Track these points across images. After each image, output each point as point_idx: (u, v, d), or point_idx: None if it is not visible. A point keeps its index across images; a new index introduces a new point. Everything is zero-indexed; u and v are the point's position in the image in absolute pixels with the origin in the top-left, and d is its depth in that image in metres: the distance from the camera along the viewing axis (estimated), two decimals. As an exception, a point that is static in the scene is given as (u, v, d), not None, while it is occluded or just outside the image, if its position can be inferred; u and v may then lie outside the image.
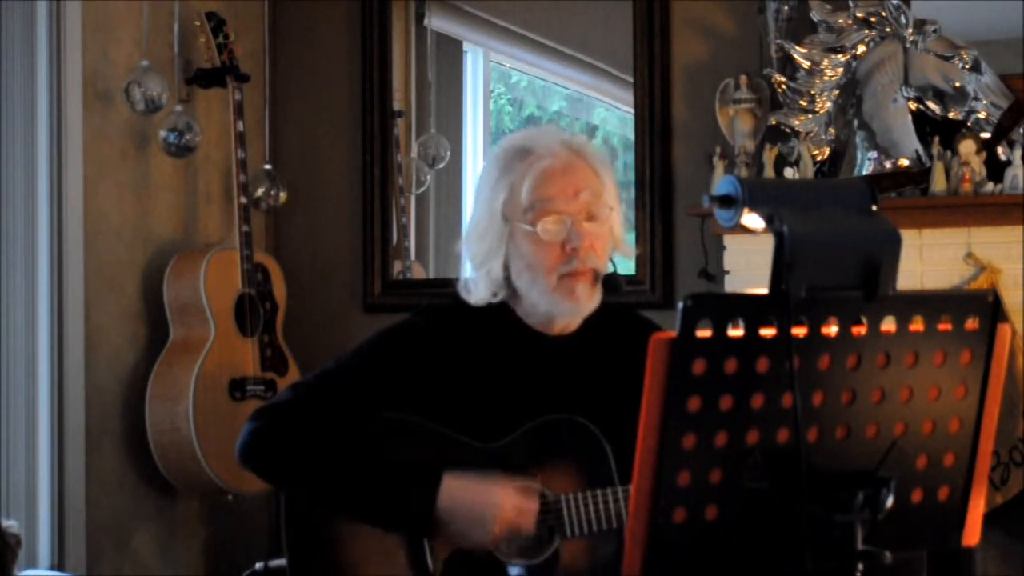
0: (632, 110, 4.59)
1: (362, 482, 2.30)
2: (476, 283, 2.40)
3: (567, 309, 2.35)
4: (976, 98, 4.06)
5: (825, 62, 4.21)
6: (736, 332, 1.43)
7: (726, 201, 1.49)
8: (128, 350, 4.40)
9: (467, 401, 2.35)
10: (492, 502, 2.26)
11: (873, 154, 4.16)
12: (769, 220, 1.46)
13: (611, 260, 2.40)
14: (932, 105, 4.12)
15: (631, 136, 4.60)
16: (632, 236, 4.40)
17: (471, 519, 2.26)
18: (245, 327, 4.38)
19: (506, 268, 2.36)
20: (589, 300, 2.36)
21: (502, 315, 2.41)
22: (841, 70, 4.21)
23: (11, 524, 3.45)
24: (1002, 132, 4.02)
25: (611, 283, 2.36)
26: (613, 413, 2.23)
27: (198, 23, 4.47)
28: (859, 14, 4.18)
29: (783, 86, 4.24)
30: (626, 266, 2.52)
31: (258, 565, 2.63)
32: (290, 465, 2.35)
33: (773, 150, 4.21)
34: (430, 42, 5.01)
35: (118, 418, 4.36)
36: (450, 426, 2.34)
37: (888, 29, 4.16)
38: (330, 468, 2.32)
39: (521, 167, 2.33)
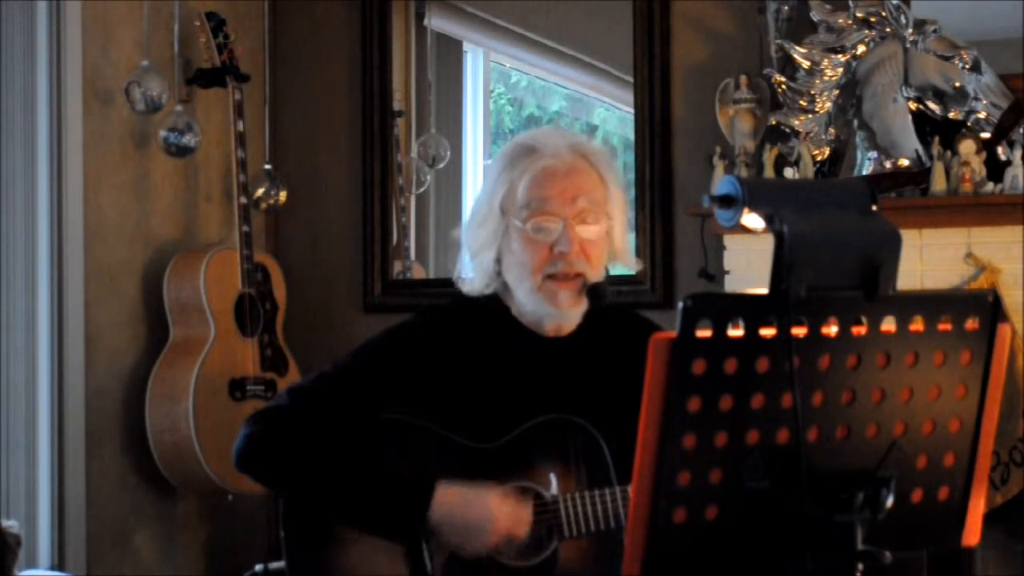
0: (632, 110, 4.59)
1: (356, 491, 2.31)
2: (469, 272, 2.41)
3: (549, 312, 2.35)
4: (976, 98, 4.06)
5: (825, 62, 4.21)
6: (736, 332, 1.43)
7: (726, 201, 1.49)
8: (128, 350, 4.40)
9: (466, 402, 2.35)
10: (485, 514, 2.27)
11: (873, 154, 4.16)
12: (769, 220, 1.46)
13: (607, 269, 2.40)
14: (932, 105, 4.12)
15: (631, 136, 4.60)
16: (632, 236, 4.40)
17: (466, 530, 2.27)
18: (245, 327, 4.38)
19: (498, 262, 2.37)
20: (573, 307, 2.35)
21: (501, 316, 2.41)
22: (841, 70, 4.21)
23: (11, 524, 3.45)
24: (1002, 132, 4.02)
25: (595, 293, 2.35)
26: (612, 413, 2.23)
27: (198, 23, 4.47)
28: (859, 14, 4.18)
29: (783, 86, 4.24)
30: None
31: (258, 567, 2.63)
32: (285, 471, 2.35)
33: (773, 150, 4.21)
34: (430, 42, 5.01)
35: (118, 418, 4.36)
36: (449, 427, 2.34)
37: (888, 29, 4.16)
38: (325, 475, 2.32)
39: (524, 164, 2.34)
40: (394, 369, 2.36)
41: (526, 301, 2.36)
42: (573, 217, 2.32)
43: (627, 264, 2.47)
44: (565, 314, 2.36)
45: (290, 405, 2.36)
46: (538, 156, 2.34)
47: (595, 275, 2.35)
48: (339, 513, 2.34)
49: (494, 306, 2.41)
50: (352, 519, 2.33)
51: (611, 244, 2.38)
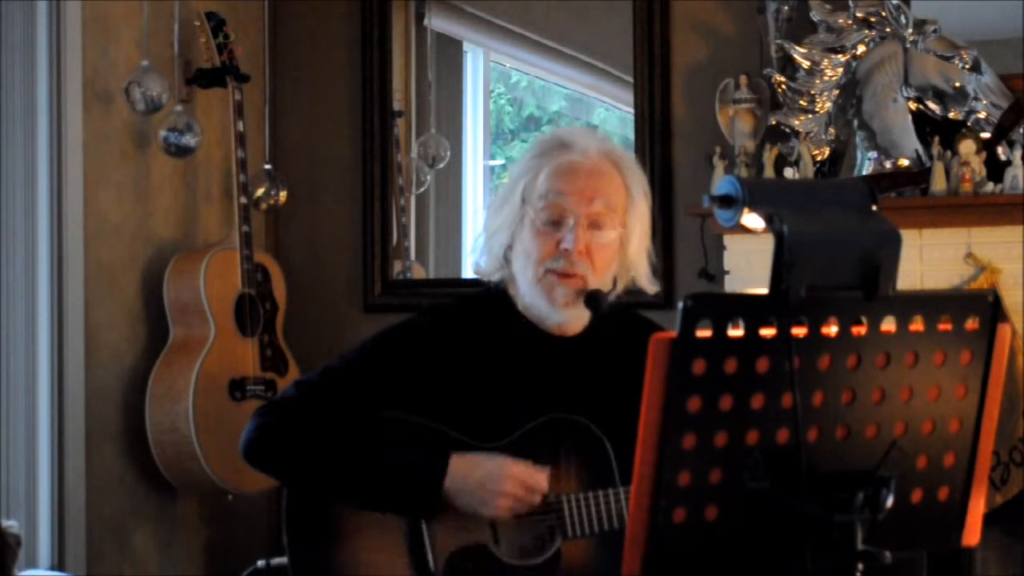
0: (632, 110, 4.59)
1: (369, 466, 2.30)
2: (482, 252, 2.42)
3: (544, 306, 2.35)
4: (976, 98, 4.06)
5: (825, 62, 4.21)
6: (736, 332, 1.43)
7: (726, 201, 1.49)
8: (128, 350, 4.40)
9: (470, 400, 2.35)
10: (501, 472, 2.26)
11: (873, 154, 4.16)
12: (769, 220, 1.46)
13: (614, 280, 2.38)
14: (932, 105, 4.12)
15: (631, 136, 4.60)
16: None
17: (481, 490, 2.26)
18: (245, 327, 4.38)
19: (509, 248, 2.37)
20: (567, 307, 2.34)
21: (507, 314, 2.41)
22: (841, 70, 4.21)
23: (11, 524, 3.45)
24: (1002, 132, 4.02)
25: (591, 300, 2.33)
26: (615, 413, 2.23)
27: (198, 23, 4.47)
28: (859, 14, 4.18)
29: (783, 86, 4.24)
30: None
31: (260, 563, 2.63)
32: (295, 458, 2.35)
33: (773, 150, 4.21)
34: (430, 42, 5.01)
35: (118, 418, 4.36)
36: (452, 425, 2.34)
37: (888, 29, 4.16)
38: (335, 457, 2.32)
39: (552, 156, 2.35)
40: (399, 366, 2.37)
41: (526, 293, 2.36)
42: (585, 217, 2.31)
43: (642, 284, 2.41)
44: (559, 312, 2.35)
45: (297, 397, 2.36)
46: (567, 151, 2.34)
47: (597, 281, 2.33)
48: (351, 492, 2.32)
49: (500, 303, 2.41)
50: (365, 497, 2.31)
51: (623, 255, 2.36)
